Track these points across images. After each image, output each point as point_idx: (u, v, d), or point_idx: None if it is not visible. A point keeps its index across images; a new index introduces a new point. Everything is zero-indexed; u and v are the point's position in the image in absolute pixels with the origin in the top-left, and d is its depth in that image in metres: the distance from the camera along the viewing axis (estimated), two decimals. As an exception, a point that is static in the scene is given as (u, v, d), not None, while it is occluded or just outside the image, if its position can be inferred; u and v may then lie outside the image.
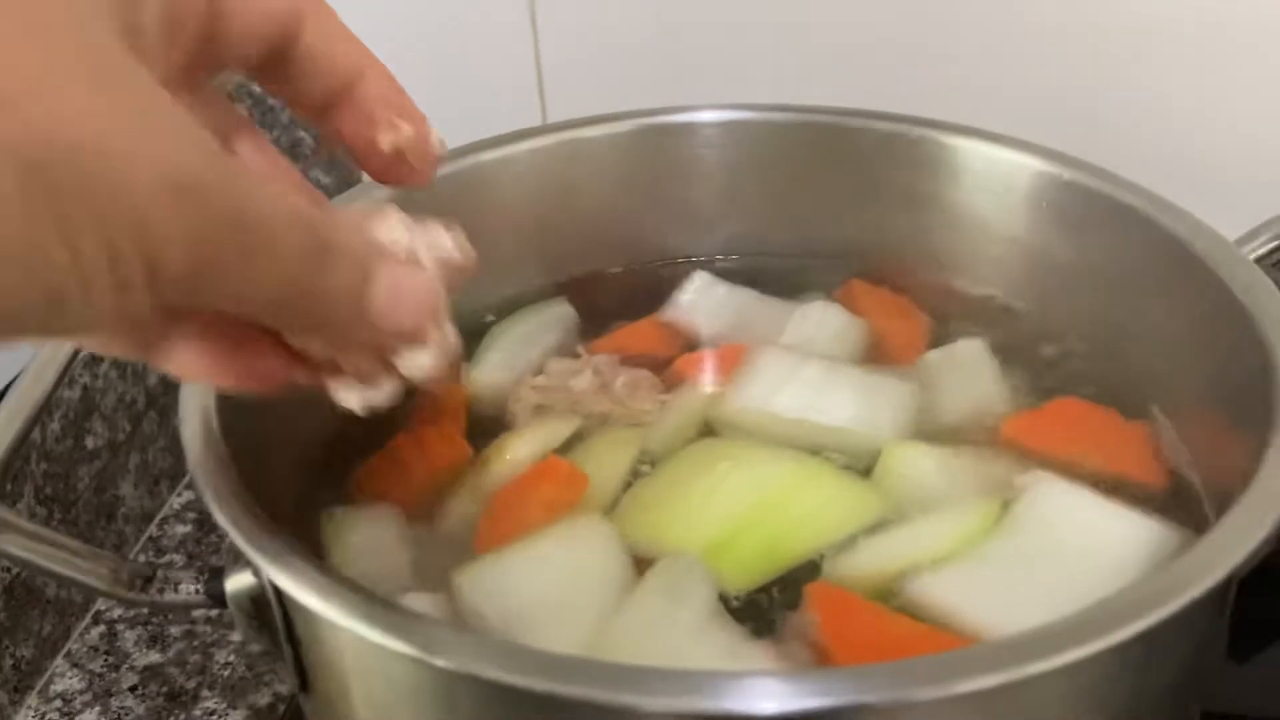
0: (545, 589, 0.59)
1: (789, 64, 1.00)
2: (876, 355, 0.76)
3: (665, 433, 0.70)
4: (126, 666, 0.79)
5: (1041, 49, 0.96)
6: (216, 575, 0.53)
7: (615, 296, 0.82)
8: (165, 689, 0.78)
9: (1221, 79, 0.94)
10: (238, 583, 0.53)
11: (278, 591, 0.50)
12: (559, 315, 0.80)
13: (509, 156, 0.78)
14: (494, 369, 0.76)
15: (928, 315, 0.78)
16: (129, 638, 0.81)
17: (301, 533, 0.63)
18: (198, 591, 0.54)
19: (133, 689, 0.78)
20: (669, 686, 0.44)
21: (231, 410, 0.58)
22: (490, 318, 0.79)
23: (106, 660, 0.80)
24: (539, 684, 0.44)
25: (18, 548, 0.53)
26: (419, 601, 0.58)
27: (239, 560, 0.52)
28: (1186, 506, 0.63)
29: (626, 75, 1.02)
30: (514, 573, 0.60)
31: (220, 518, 0.51)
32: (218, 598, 0.53)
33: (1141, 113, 0.96)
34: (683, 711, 0.43)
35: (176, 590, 0.54)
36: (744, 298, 0.80)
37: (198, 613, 0.82)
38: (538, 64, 1.03)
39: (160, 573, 0.54)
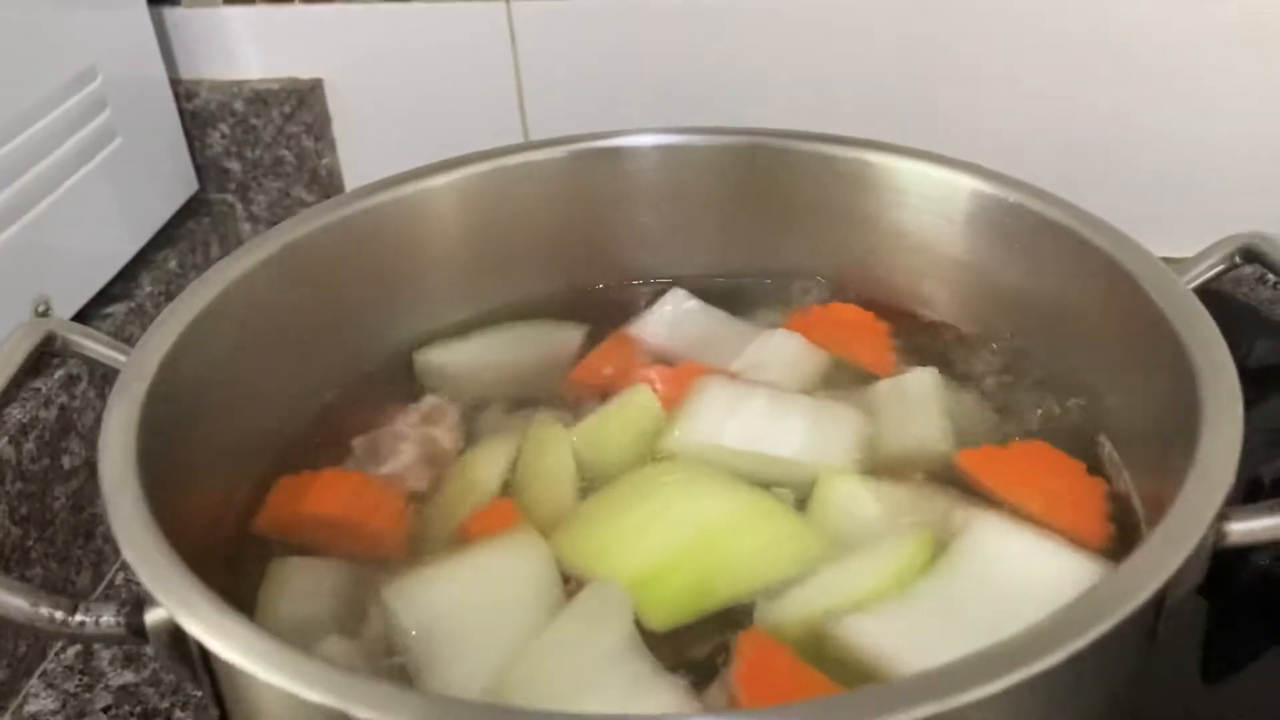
0: (468, 605, 0.59)
1: (772, 87, 1.00)
2: (844, 375, 0.75)
3: (598, 431, 0.71)
4: (101, 686, 0.79)
5: (1006, 71, 0.96)
6: (137, 609, 0.53)
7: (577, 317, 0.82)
8: (139, 709, 0.78)
9: (1184, 101, 0.94)
10: (156, 616, 0.52)
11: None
12: (558, 334, 0.80)
13: (450, 182, 0.78)
14: (452, 354, 0.78)
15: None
16: (104, 657, 0.81)
17: (236, 569, 0.64)
18: (118, 624, 0.53)
19: (106, 709, 0.78)
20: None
21: (159, 437, 0.58)
22: (424, 344, 0.80)
23: (81, 680, 0.80)
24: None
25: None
26: (336, 646, 0.59)
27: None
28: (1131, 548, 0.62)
29: (606, 98, 1.02)
30: (439, 585, 0.60)
31: (130, 558, 0.51)
32: (138, 631, 0.53)
33: (1105, 134, 0.96)
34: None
35: (98, 624, 0.53)
36: (714, 318, 0.80)
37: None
38: (519, 88, 1.03)
39: (82, 604, 0.54)
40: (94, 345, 0.66)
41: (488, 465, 0.70)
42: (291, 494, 0.69)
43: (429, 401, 0.74)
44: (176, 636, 0.52)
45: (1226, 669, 0.71)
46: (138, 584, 0.51)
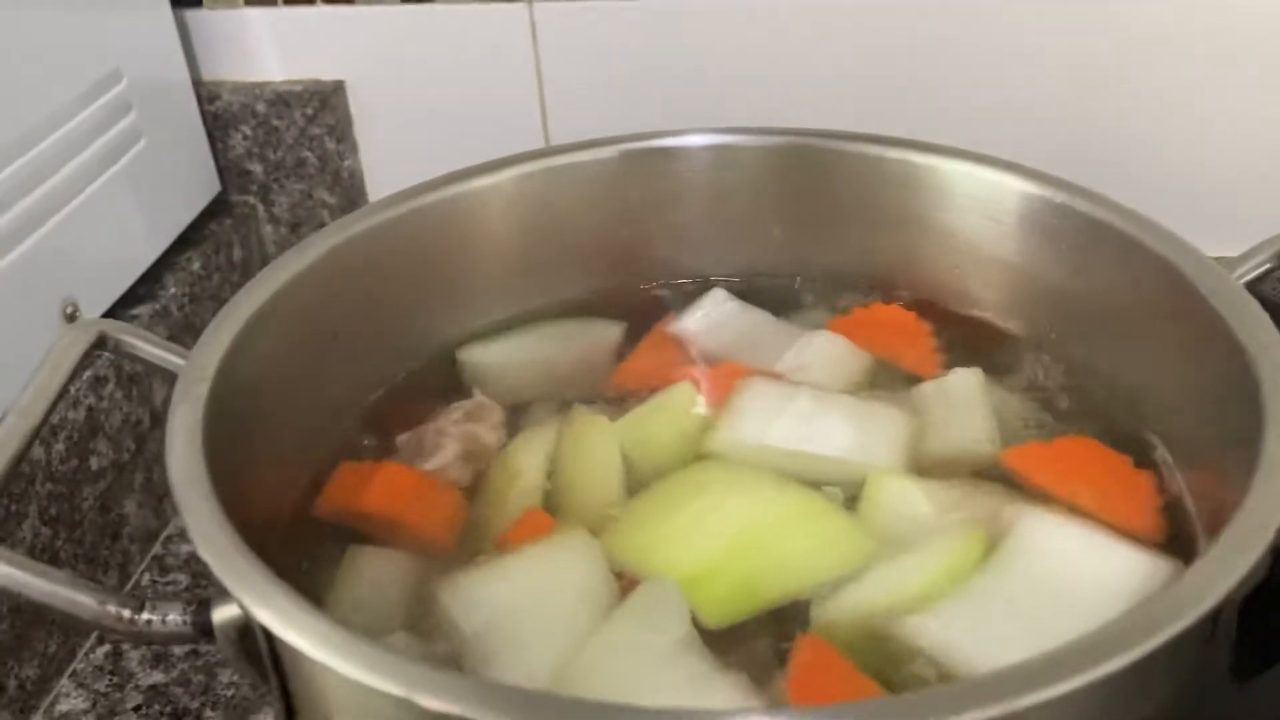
0: (523, 604, 0.59)
1: (791, 89, 1.00)
2: (887, 377, 0.76)
3: (641, 426, 0.71)
4: (131, 686, 0.79)
5: (1037, 72, 0.96)
6: (204, 607, 0.53)
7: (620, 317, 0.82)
8: (169, 709, 0.78)
9: (1218, 100, 0.94)
10: (224, 614, 0.52)
11: (263, 626, 0.50)
12: (597, 331, 0.81)
13: (497, 183, 0.78)
14: (494, 352, 0.79)
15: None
16: (133, 657, 0.81)
17: (293, 559, 0.64)
18: (185, 623, 0.53)
19: (136, 709, 0.78)
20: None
21: (220, 436, 0.58)
22: (467, 344, 0.80)
23: (111, 680, 0.80)
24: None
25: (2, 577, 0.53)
26: (402, 642, 0.59)
27: (225, 593, 0.51)
28: (1183, 546, 0.63)
29: (628, 100, 1.02)
30: (494, 586, 0.60)
31: (205, 554, 0.51)
32: (205, 629, 0.53)
33: (1139, 134, 0.96)
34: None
35: (165, 622, 0.54)
36: (755, 318, 0.80)
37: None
38: (540, 90, 1.04)
39: (148, 603, 0.54)
40: (145, 346, 0.66)
41: (529, 454, 0.70)
42: (353, 482, 0.70)
43: (474, 399, 0.75)
44: (245, 633, 0.52)
45: (1257, 668, 0.71)
46: (208, 581, 0.52)
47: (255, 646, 0.53)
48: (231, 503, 0.54)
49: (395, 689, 0.45)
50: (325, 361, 0.72)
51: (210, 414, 0.59)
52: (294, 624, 0.48)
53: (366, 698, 0.48)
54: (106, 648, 0.82)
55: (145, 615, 0.54)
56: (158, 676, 0.80)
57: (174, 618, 0.54)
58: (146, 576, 0.88)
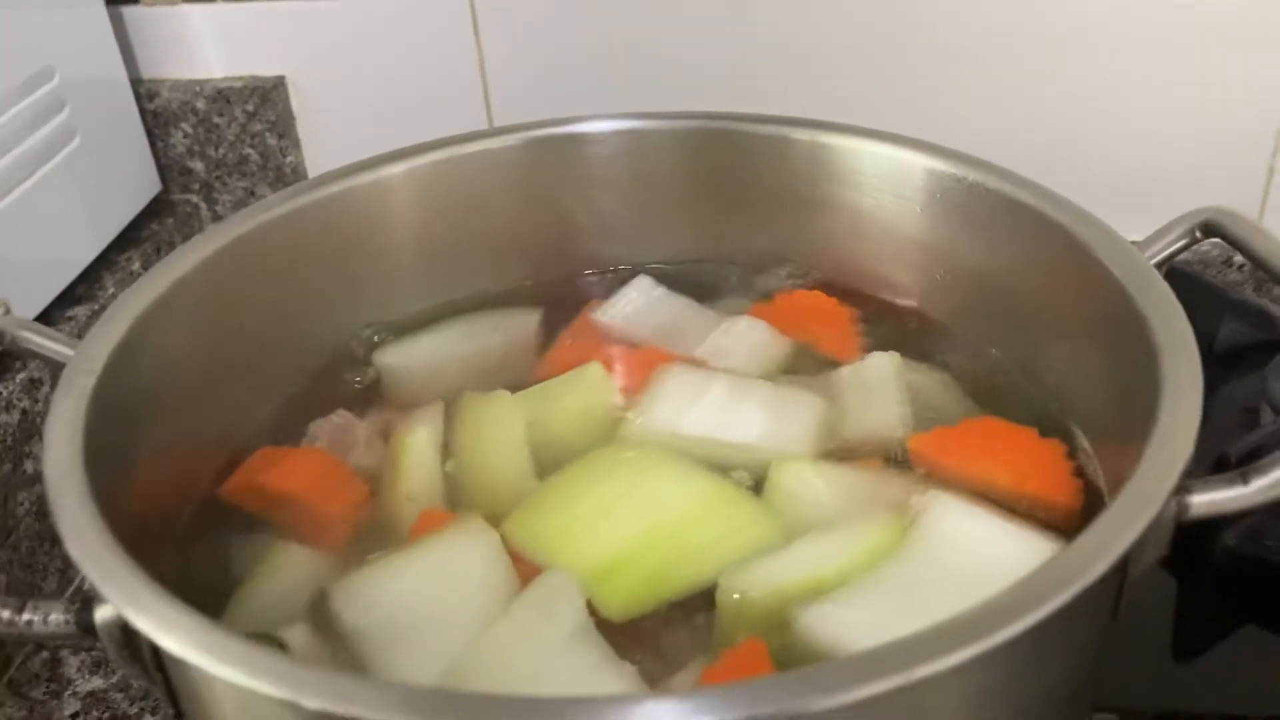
0: (416, 599, 0.58)
1: (738, 69, 1.00)
2: (808, 362, 0.75)
3: (547, 402, 0.70)
4: (69, 693, 0.79)
5: (957, 59, 0.96)
6: (86, 606, 0.52)
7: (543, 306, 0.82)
8: (108, 714, 0.77)
9: (1132, 83, 0.94)
10: (106, 613, 0.51)
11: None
12: (514, 321, 0.80)
13: (406, 171, 0.77)
14: (411, 353, 0.77)
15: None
16: (72, 664, 0.81)
17: (193, 555, 0.63)
18: (68, 622, 0.52)
19: (74, 716, 0.77)
20: (541, 716, 0.43)
21: (107, 433, 0.58)
22: (380, 337, 0.79)
23: (49, 687, 0.79)
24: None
25: None
26: (303, 634, 0.58)
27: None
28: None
29: (572, 88, 1.02)
30: (389, 583, 0.59)
31: (75, 554, 0.50)
32: (88, 629, 0.52)
33: (1057, 119, 0.96)
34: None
35: (46, 622, 0.53)
36: (679, 304, 0.80)
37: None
38: (483, 81, 1.03)
39: (30, 603, 0.53)
40: (44, 341, 0.65)
41: (411, 434, 0.69)
42: (264, 464, 0.69)
43: (333, 421, 0.73)
44: (127, 633, 0.51)
45: (1197, 648, 0.71)
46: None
47: (139, 646, 0.51)
48: (116, 502, 0.54)
49: (276, 691, 0.44)
50: (230, 356, 0.71)
51: (95, 410, 0.58)
52: (168, 626, 0.47)
53: (249, 699, 0.47)
54: (44, 655, 0.81)
55: (26, 616, 0.53)
56: (96, 682, 0.79)
57: (56, 617, 0.53)
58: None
